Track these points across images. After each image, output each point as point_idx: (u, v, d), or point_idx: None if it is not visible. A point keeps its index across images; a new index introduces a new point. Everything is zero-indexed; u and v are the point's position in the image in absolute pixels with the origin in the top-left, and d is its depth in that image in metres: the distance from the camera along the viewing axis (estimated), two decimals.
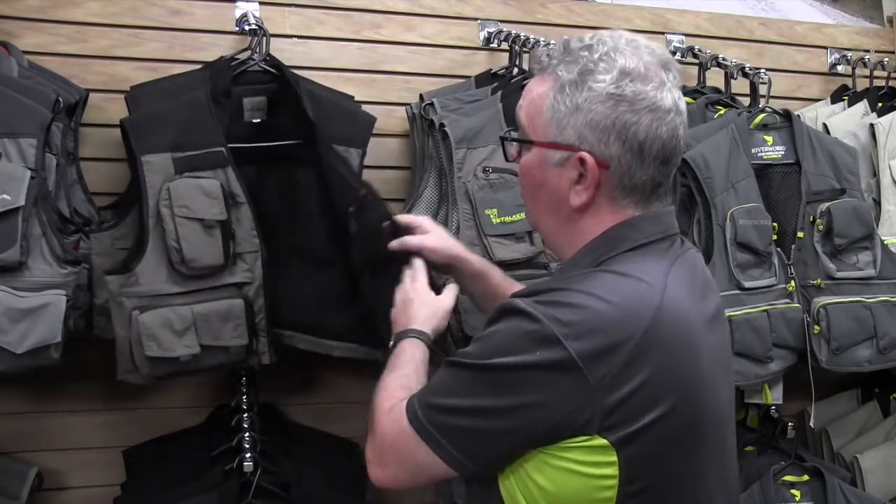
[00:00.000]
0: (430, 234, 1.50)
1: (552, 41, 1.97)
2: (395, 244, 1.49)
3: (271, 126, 1.79)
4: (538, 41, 2.01)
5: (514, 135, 1.19)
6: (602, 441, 0.99)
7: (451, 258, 1.48)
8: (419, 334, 1.30)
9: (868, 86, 2.36)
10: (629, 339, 0.98)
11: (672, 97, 1.08)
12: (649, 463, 1.01)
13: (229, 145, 1.67)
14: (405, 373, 1.21)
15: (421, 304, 1.36)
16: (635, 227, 1.10)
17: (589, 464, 1.00)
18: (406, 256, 1.46)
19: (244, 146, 1.74)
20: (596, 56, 1.07)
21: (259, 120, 1.79)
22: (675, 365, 1.01)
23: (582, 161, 1.07)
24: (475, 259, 1.52)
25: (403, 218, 1.55)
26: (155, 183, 1.61)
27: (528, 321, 1.01)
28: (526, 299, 1.04)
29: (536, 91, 1.12)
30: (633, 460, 0.99)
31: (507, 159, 1.21)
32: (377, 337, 1.51)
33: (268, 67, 1.79)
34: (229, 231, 1.63)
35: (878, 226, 2.09)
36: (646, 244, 1.09)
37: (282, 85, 1.78)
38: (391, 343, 1.31)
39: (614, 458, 0.99)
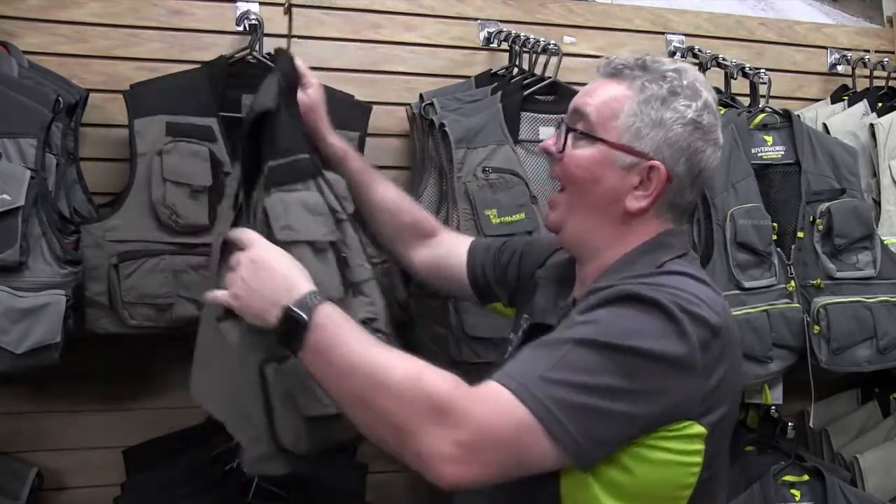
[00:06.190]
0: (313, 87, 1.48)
1: (552, 41, 2.00)
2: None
3: None
4: (538, 41, 2.01)
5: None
6: (699, 429, 1.03)
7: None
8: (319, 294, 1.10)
9: (868, 86, 2.36)
10: (718, 332, 1.04)
11: (724, 136, 1.20)
12: (716, 453, 1.08)
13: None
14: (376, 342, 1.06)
15: (284, 263, 1.15)
16: (675, 237, 1.18)
17: (681, 452, 1.04)
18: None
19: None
20: (685, 82, 1.15)
21: None
22: (737, 363, 1.10)
23: (651, 169, 1.13)
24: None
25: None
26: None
27: (656, 309, 1.01)
28: (643, 286, 1.04)
29: (611, 93, 1.16)
30: (711, 448, 1.06)
31: (557, 149, 1.18)
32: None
33: (268, 62, 1.78)
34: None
35: (878, 226, 2.09)
36: (685, 254, 1.17)
37: None
38: (298, 314, 1.06)
39: (702, 446, 1.05)
